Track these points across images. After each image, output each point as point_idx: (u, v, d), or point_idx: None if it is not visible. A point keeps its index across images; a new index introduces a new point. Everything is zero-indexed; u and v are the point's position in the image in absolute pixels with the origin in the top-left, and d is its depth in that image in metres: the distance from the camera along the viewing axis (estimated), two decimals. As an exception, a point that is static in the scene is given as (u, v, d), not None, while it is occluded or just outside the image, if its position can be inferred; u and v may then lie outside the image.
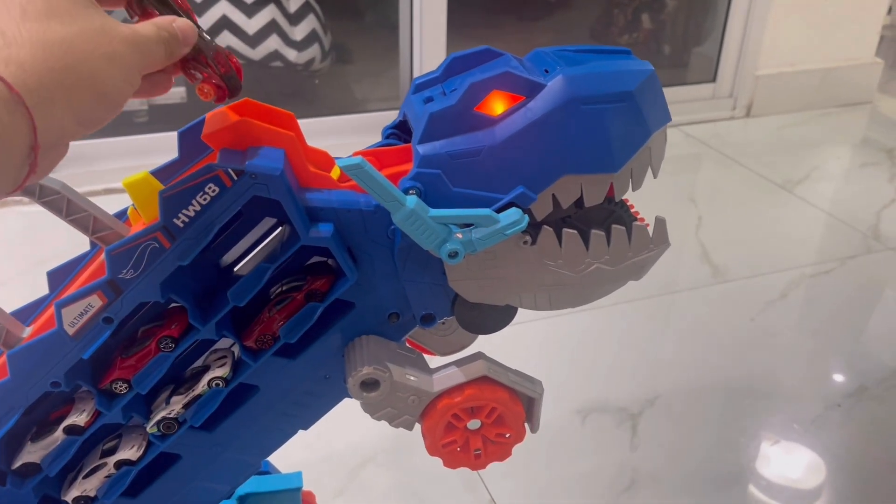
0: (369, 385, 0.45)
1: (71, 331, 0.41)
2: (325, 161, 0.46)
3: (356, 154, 0.47)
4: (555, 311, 0.48)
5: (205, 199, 0.39)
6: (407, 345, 0.50)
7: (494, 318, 0.48)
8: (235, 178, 0.39)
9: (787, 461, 0.86)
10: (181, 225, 0.40)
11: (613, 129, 0.42)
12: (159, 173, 0.46)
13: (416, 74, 1.60)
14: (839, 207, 1.43)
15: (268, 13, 1.59)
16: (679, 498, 0.82)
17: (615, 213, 0.47)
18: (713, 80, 1.85)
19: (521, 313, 0.48)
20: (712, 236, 1.31)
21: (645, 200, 0.44)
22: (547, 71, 0.43)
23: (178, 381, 0.47)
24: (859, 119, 1.88)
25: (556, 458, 0.84)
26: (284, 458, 0.54)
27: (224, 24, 1.57)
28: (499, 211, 0.42)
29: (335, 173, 0.46)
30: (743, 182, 1.54)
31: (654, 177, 0.46)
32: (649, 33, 2.21)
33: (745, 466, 0.86)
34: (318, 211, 0.42)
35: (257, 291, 0.44)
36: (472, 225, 0.41)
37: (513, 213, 0.41)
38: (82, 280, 0.44)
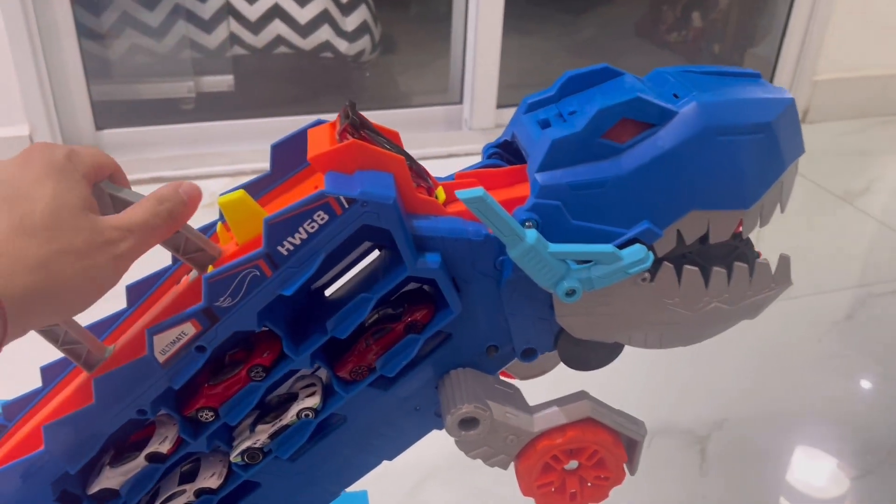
0: (468, 423, 0.42)
1: (162, 358, 0.39)
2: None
3: (459, 176, 0.44)
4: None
5: (312, 227, 0.36)
6: (501, 377, 0.47)
7: (599, 354, 0.45)
8: (346, 206, 0.36)
9: (866, 495, 0.82)
10: (285, 253, 0.37)
11: (748, 162, 0.38)
12: (250, 188, 0.43)
13: (468, 67, 1.54)
14: (903, 222, 1.38)
15: (320, 2, 1.56)
16: (753, 530, 0.78)
17: (738, 250, 0.43)
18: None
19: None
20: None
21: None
22: (676, 96, 0.39)
23: (262, 407, 0.45)
24: (919, 128, 1.80)
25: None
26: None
27: (275, 12, 1.54)
28: (621, 247, 0.38)
29: (440, 194, 0.43)
30: (801, 192, 1.48)
31: (782, 211, 0.42)
32: (699, 32, 2.13)
33: (821, 499, 0.82)
34: (425, 240, 0.39)
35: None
36: (589, 261, 0.38)
37: (637, 251, 0.38)
38: (168, 303, 0.41)
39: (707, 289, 0.41)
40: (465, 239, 0.39)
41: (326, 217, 0.36)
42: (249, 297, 0.38)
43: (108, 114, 1.42)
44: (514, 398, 0.44)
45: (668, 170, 0.38)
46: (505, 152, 0.46)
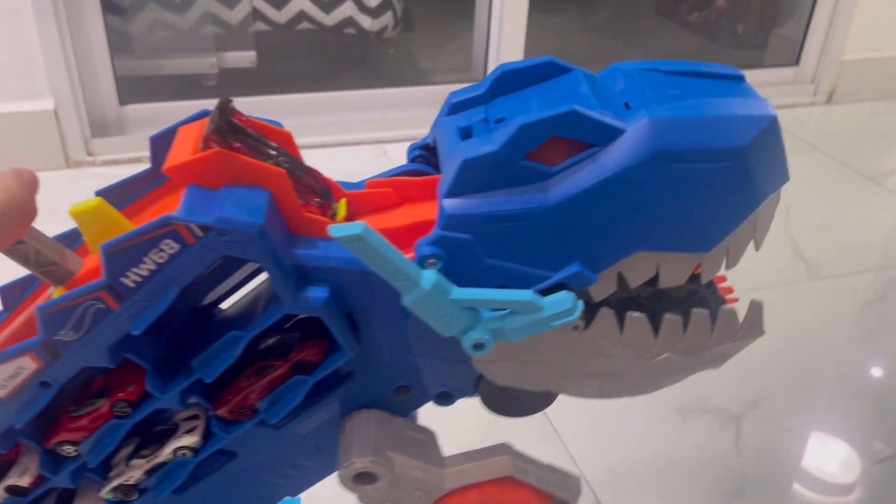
0: (365, 478, 0.35)
1: (2, 393, 0.32)
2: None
3: (371, 184, 0.36)
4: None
5: (161, 258, 0.29)
6: (416, 420, 0.39)
7: (529, 402, 0.37)
8: (200, 233, 0.28)
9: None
10: (132, 285, 0.29)
11: (711, 196, 0.29)
12: (127, 186, 0.35)
13: (493, 44, 1.44)
14: (932, 204, 1.31)
15: (343, -22, 1.46)
16: (791, 509, 0.75)
17: (697, 294, 0.34)
18: (796, 63, 1.66)
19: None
20: (802, 230, 1.21)
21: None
22: (628, 105, 0.30)
23: (144, 435, 0.38)
24: (948, 110, 1.67)
25: (660, 460, 0.77)
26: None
27: (300, -14, 1.45)
28: (545, 292, 0.30)
29: (341, 209, 0.34)
30: (829, 172, 1.41)
31: (757, 249, 0.33)
32: (722, 11, 1.98)
33: (860, 479, 0.77)
34: (311, 270, 0.31)
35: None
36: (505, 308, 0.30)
37: (562, 300, 0.29)
38: (19, 325, 0.34)
39: (657, 338, 0.33)
40: (359, 269, 0.31)
41: (177, 246, 0.28)
42: (96, 331, 0.30)
43: (131, 89, 1.35)
44: (426, 447, 0.37)
45: (608, 202, 0.29)
46: (432, 155, 0.37)
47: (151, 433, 0.38)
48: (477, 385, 0.36)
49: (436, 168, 0.37)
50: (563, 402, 0.38)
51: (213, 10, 1.49)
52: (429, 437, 0.37)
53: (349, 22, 1.51)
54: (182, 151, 0.30)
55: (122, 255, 0.28)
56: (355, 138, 1.40)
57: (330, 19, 1.50)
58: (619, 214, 0.29)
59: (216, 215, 0.28)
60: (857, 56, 1.63)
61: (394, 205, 0.36)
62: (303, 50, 1.69)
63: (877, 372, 0.93)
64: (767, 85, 1.64)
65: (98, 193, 0.34)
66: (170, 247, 0.28)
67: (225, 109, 0.30)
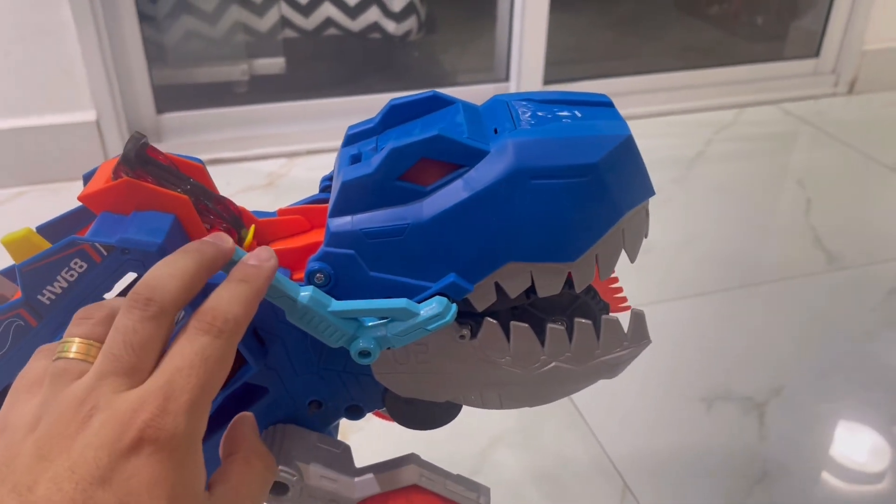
0: (276, 488, 0.40)
1: None
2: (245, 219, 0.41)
3: (282, 212, 0.42)
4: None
5: (72, 276, 0.35)
6: (333, 434, 0.44)
7: (435, 413, 0.42)
8: (105, 253, 0.34)
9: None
10: (47, 302, 0.35)
11: (570, 209, 0.35)
12: (65, 222, 0.41)
13: (515, 43, 1.59)
14: (953, 195, 1.43)
15: (369, -17, 1.65)
16: (815, 493, 0.82)
17: (578, 301, 0.39)
18: (816, 54, 1.79)
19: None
20: (823, 220, 1.32)
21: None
22: (496, 131, 0.36)
23: None
24: (968, 100, 1.82)
25: (686, 447, 0.86)
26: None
27: (325, -6, 1.63)
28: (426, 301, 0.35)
29: (249, 235, 0.40)
30: (850, 163, 1.52)
31: (632, 261, 0.38)
32: (741, 4, 2.09)
33: (879, 464, 0.84)
34: (214, 287, 0.36)
35: None
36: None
37: (435, 305, 0.34)
38: None
39: (543, 347, 0.38)
40: None
41: (85, 265, 0.34)
42: (19, 348, 0.36)
43: (166, 98, 1.49)
44: (339, 459, 0.42)
45: (475, 217, 0.35)
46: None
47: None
48: (384, 397, 0.41)
49: None
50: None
51: (244, 19, 1.67)
52: (343, 450, 0.43)
53: (374, 27, 1.69)
54: (98, 181, 0.36)
55: (34, 274, 0.35)
56: (383, 140, 1.53)
57: (356, 25, 1.68)
58: (487, 228, 0.35)
59: (118, 236, 0.34)
60: (877, 46, 1.75)
61: (303, 230, 0.42)
62: (330, 55, 1.87)
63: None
64: (788, 77, 1.76)
65: (38, 229, 0.40)
66: (79, 265, 0.34)
67: (136, 142, 0.36)
